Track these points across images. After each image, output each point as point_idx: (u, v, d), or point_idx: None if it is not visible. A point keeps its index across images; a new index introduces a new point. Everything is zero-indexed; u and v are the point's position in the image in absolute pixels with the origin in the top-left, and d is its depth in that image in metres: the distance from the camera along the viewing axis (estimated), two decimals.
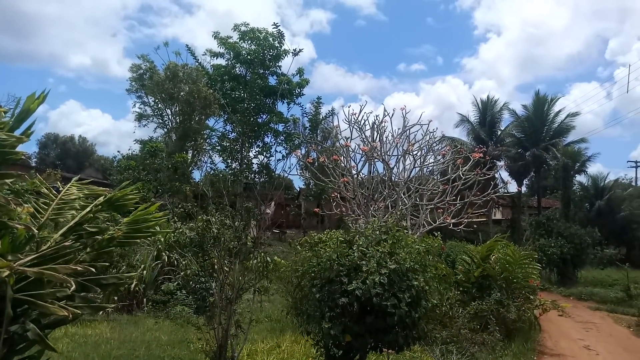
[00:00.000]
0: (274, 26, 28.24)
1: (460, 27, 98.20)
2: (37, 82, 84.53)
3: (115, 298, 10.04)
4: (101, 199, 3.09)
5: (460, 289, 10.61)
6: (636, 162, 43.10)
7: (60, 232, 2.82)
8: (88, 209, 2.97)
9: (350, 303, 5.54)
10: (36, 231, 2.55)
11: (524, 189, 38.44)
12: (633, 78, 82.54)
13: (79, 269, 2.27)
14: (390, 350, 6.37)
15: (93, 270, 2.35)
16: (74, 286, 2.16)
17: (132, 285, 11.00)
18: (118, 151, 33.38)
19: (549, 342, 10.66)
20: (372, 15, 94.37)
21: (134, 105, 27.80)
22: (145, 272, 11.49)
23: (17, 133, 2.61)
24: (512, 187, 35.03)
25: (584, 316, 14.34)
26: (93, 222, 2.98)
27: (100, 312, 9.86)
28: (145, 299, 11.29)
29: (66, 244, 2.55)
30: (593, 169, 43.84)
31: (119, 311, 10.64)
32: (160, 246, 12.43)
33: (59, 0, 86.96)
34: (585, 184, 34.29)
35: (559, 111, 35.42)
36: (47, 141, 60.98)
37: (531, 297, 10.98)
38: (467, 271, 11.01)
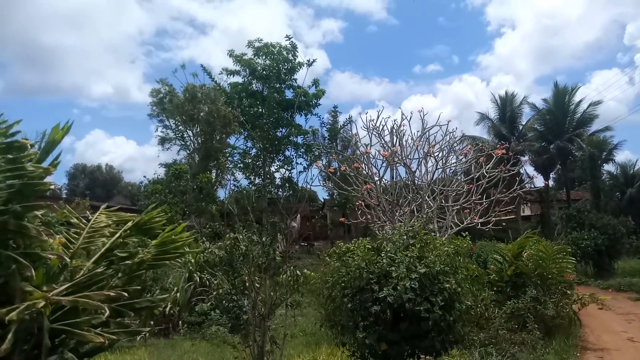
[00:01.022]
0: (287, 38, 28.52)
1: (473, 24, 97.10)
2: (61, 114, 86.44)
3: (152, 322, 10.16)
4: (129, 224, 3.15)
5: (494, 288, 10.41)
6: None
7: (93, 260, 2.87)
8: (117, 235, 3.03)
9: (382, 310, 5.51)
10: (68, 260, 2.61)
11: (551, 182, 37.73)
12: None
13: (112, 294, 2.31)
14: (427, 356, 6.29)
15: (126, 295, 2.39)
16: (108, 312, 2.20)
17: (167, 309, 11.12)
18: (144, 176, 33.92)
19: (590, 337, 10.38)
20: (383, 20, 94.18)
21: (157, 129, 28.36)
22: (178, 294, 11.61)
23: (44, 164, 2.68)
24: (539, 181, 34.47)
25: (625, 307, 13.93)
26: (123, 248, 3.04)
27: (138, 338, 9.99)
28: (180, 321, 11.40)
29: (98, 271, 2.60)
30: (621, 156, 42.72)
31: (156, 335, 10.76)
32: (191, 268, 12.55)
33: (76, 31, 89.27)
34: (614, 173, 33.53)
35: (580, 101, 34.83)
36: (76, 172, 62.47)
37: (568, 292, 10.72)
38: (499, 270, 10.82)
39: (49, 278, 2.62)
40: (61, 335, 2.39)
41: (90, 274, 2.59)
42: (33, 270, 2.30)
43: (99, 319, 2.36)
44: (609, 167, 33.77)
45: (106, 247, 2.93)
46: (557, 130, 33.91)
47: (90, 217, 3.39)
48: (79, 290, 2.47)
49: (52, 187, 2.63)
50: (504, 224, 15.21)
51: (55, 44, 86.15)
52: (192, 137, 26.72)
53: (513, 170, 13.88)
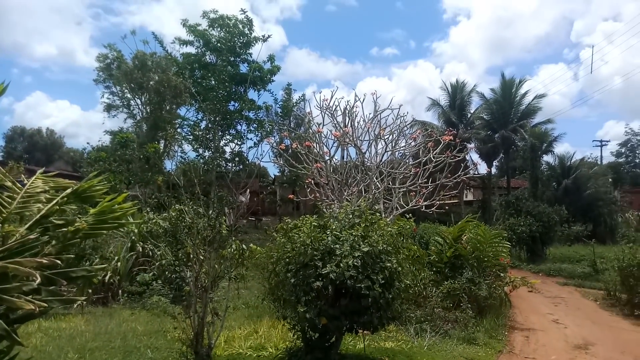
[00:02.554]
0: (242, 12, 27.84)
1: (430, 11, 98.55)
2: (0, 73, 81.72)
3: (90, 291, 9.92)
4: (68, 191, 3.05)
5: (434, 269, 10.82)
6: (601, 141, 44.64)
7: (26, 226, 2.78)
8: (54, 201, 2.93)
9: (324, 286, 5.62)
10: None
11: (493, 170, 39.16)
12: (597, 59, 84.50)
13: (44, 261, 2.25)
14: (365, 331, 6.49)
15: (59, 263, 2.33)
16: (39, 279, 2.15)
17: (107, 277, 10.89)
18: (88, 143, 32.62)
19: (519, 318, 10.99)
20: (341, 0, 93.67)
21: (103, 95, 27.17)
22: (119, 263, 11.38)
23: None
24: (482, 168, 35.71)
25: (553, 291, 14.80)
26: (60, 215, 2.94)
27: (75, 306, 9.74)
28: (120, 291, 11.19)
29: (31, 237, 2.52)
30: (560, 148, 44.81)
31: (94, 304, 10.53)
32: (134, 237, 12.31)
33: None
34: (552, 164, 35.02)
35: (526, 93, 36.35)
36: (14, 134, 59.25)
37: (502, 274, 11.28)
38: (439, 252, 11.23)
39: None
40: None
41: (23, 240, 2.51)
42: None
43: (30, 285, 2.29)
44: (548, 158, 35.31)
45: (41, 214, 2.83)
46: (502, 120, 35.18)
47: (26, 182, 3.26)
48: (10, 256, 2.39)
49: None
50: (447, 207, 15.71)
51: None
52: (140, 106, 25.82)
53: (459, 157, 14.29)
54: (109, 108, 26.86)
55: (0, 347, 2.56)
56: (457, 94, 37.68)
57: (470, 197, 40.42)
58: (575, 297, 14.22)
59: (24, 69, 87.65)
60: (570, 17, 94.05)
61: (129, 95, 25.74)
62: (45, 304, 2.27)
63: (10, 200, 3.02)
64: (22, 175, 3.60)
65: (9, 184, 3.22)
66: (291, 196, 20.60)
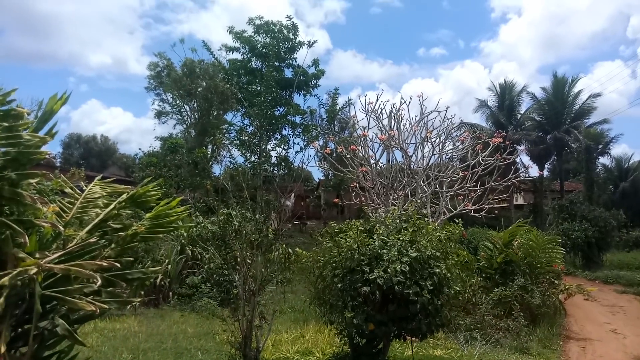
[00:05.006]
0: (288, 18, 28.22)
1: (478, 9, 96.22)
2: (58, 83, 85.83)
3: (142, 292, 10.22)
4: (124, 196, 3.15)
5: (483, 275, 10.55)
6: None
7: (86, 229, 2.88)
8: (112, 206, 3.03)
9: (372, 292, 5.57)
10: (62, 229, 2.62)
11: (545, 173, 37.82)
12: None
13: (105, 264, 2.33)
14: (413, 338, 6.39)
15: (118, 265, 2.41)
16: (100, 281, 2.22)
17: (158, 280, 11.21)
18: (139, 149, 33.79)
19: (574, 327, 10.56)
20: (386, 1, 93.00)
21: (153, 102, 28.15)
22: (170, 266, 11.70)
23: (41, 134, 2.67)
24: (534, 171, 34.63)
25: (610, 300, 14.14)
26: (117, 219, 3.04)
27: (128, 307, 10.08)
28: (171, 293, 11.51)
29: (91, 240, 2.61)
30: (617, 150, 42.96)
31: (146, 305, 10.86)
32: (183, 241, 12.62)
33: None
34: (609, 166, 33.67)
35: (580, 92, 34.75)
36: (71, 141, 61.95)
37: (556, 281, 10.88)
38: (489, 257, 10.94)
39: (42, 245, 2.64)
40: (52, 301, 2.41)
41: (83, 244, 2.60)
42: (26, 237, 2.31)
43: (91, 287, 2.37)
44: (604, 160, 33.93)
45: (100, 218, 2.93)
46: (554, 121, 33.92)
47: (84, 187, 3.39)
48: (72, 258, 2.49)
49: (48, 156, 2.63)
50: (496, 212, 15.31)
51: (53, 11, 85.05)
52: (189, 112, 26.58)
53: (509, 159, 13.89)
54: (159, 115, 27.82)
55: (61, 347, 2.66)
56: (506, 95, 36.61)
57: (520, 201, 39.16)
58: (635, 305, 13.53)
59: (80, 78, 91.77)
60: (627, 12, 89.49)
61: (178, 102, 26.55)
62: (106, 306, 2.35)
63: (70, 206, 3.15)
64: (82, 182, 3.76)
65: (69, 189, 3.36)
66: (336, 200, 20.56)
